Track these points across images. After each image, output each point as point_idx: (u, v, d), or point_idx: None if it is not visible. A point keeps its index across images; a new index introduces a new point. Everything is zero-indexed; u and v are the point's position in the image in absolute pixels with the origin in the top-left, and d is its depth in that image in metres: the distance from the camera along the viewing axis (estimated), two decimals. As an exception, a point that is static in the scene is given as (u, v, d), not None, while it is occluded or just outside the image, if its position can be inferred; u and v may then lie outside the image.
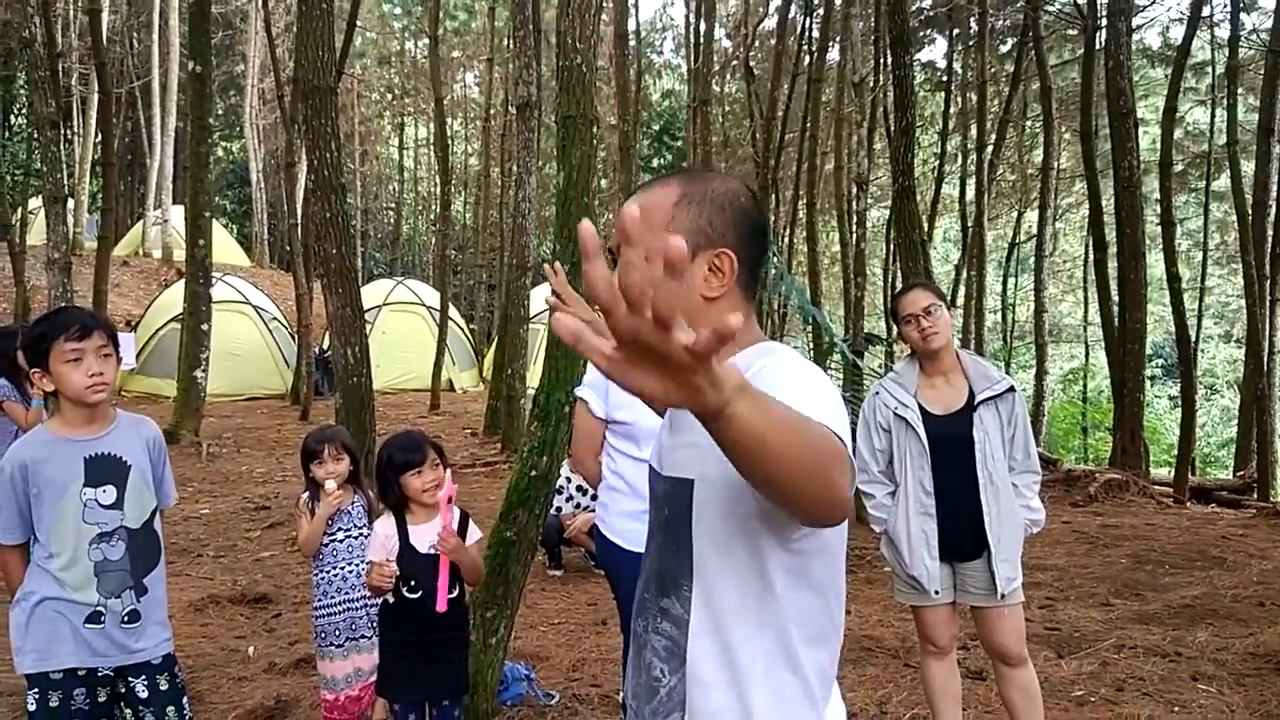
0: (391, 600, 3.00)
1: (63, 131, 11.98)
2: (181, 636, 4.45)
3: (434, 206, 31.61)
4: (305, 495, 3.58)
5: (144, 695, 2.57)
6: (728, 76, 23.22)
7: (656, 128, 31.02)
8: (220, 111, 30.26)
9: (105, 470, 2.53)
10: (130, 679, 2.56)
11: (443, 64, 19.39)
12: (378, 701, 3.64)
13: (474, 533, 3.07)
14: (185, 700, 2.68)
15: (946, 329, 3.09)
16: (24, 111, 24.77)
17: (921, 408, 3.09)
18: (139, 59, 26.79)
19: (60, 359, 2.44)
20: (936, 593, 3.08)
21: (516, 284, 10.52)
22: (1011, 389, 3.10)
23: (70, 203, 12.30)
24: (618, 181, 17.54)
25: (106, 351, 2.49)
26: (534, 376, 10.71)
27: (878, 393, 3.21)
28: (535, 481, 3.73)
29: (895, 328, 3.27)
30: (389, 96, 34.85)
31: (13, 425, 4.79)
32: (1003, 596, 3.03)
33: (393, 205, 36.77)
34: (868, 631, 4.74)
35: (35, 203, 17.61)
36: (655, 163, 30.87)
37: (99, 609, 2.49)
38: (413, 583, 2.95)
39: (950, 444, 3.04)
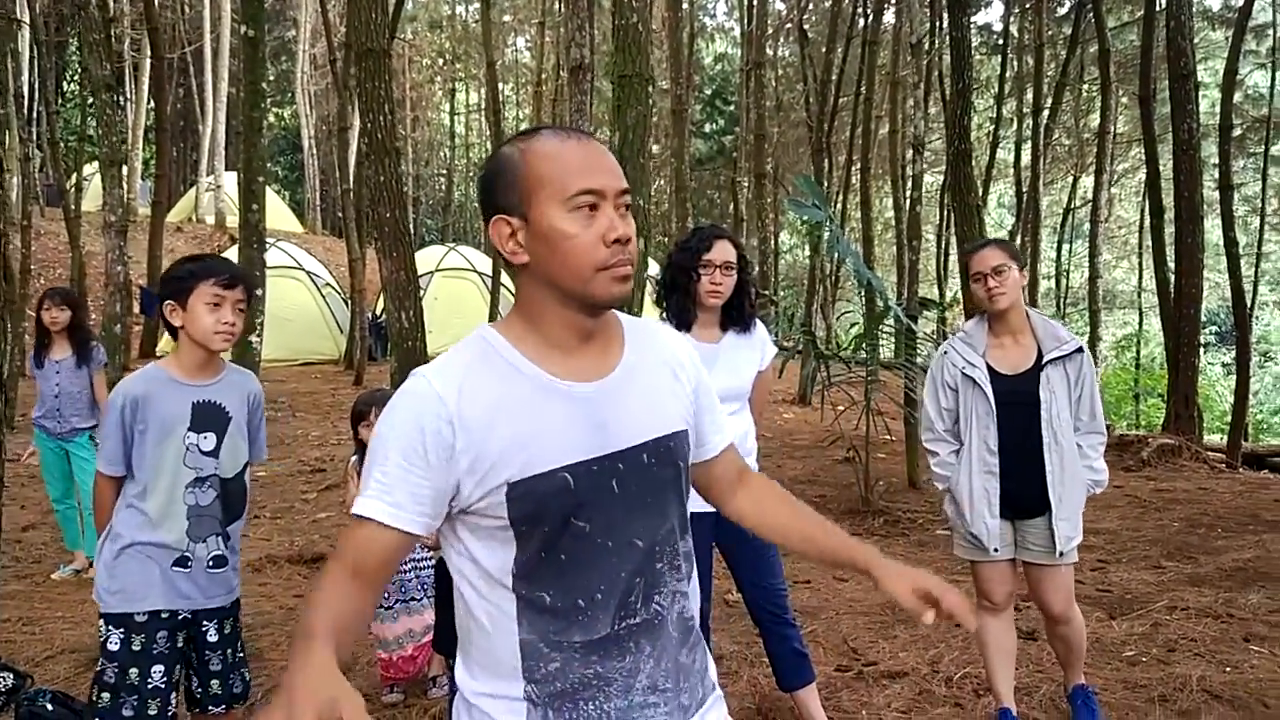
0: (452, 560, 3.02)
1: (116, 96, 12.15)
2: (241, 595, 4.56)
3: (484, 172, 31.60)
4: (355, 458, 3.63)
5: (213, 639, 2.66)
6: (781, 39, 22.87)
7: (709, 92, 30.70)
8: (272, 77, 30.52)
9: (209, 417, 2.60)
10: (204, 623, 2.64)
11: (494, 28, 19.34)
12: (434, 658, 3.71)
13: None
14: (240, 643, 2.77)
15: (1014, 290, 3.05)
16: (77, 78, 25.20)
17: (989, 367, 3.08)
18: (190, 24, 27.07)
19: (200, 299, 2.52)
20: (995, 550, 3.09)
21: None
22: (1080, 349, 3.08)
23: (124, 169, 12.50)
24: (669, 146, 17.42)
25: (242, 307, 2.58)
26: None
27: (946, 352, 3.20)
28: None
29: (940, 294, 3.24)
30: (440, 62, 34.90)
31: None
32: (1061, 555, 3.06)
33: (444, 172, 36.93)
34: (920, 594, 4.71)
35: (89, 170, 17.93)
36: (707, 127, 30.60)
37: (186, 554, 2.56)
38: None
39: (1016, 403, 3.04)
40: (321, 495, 6.95)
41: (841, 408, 7.46)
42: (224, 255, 16.30)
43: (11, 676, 3.42)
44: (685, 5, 17.42)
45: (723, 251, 3.02)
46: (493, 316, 15.28)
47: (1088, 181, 19.54)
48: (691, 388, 1.46)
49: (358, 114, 6.79)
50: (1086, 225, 18.75)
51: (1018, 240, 16.42)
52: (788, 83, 24.23)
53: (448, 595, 3.04)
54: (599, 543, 1.32)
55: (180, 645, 2.60)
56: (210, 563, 2.61)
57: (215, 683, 2.67)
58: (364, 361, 13.83)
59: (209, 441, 2.60)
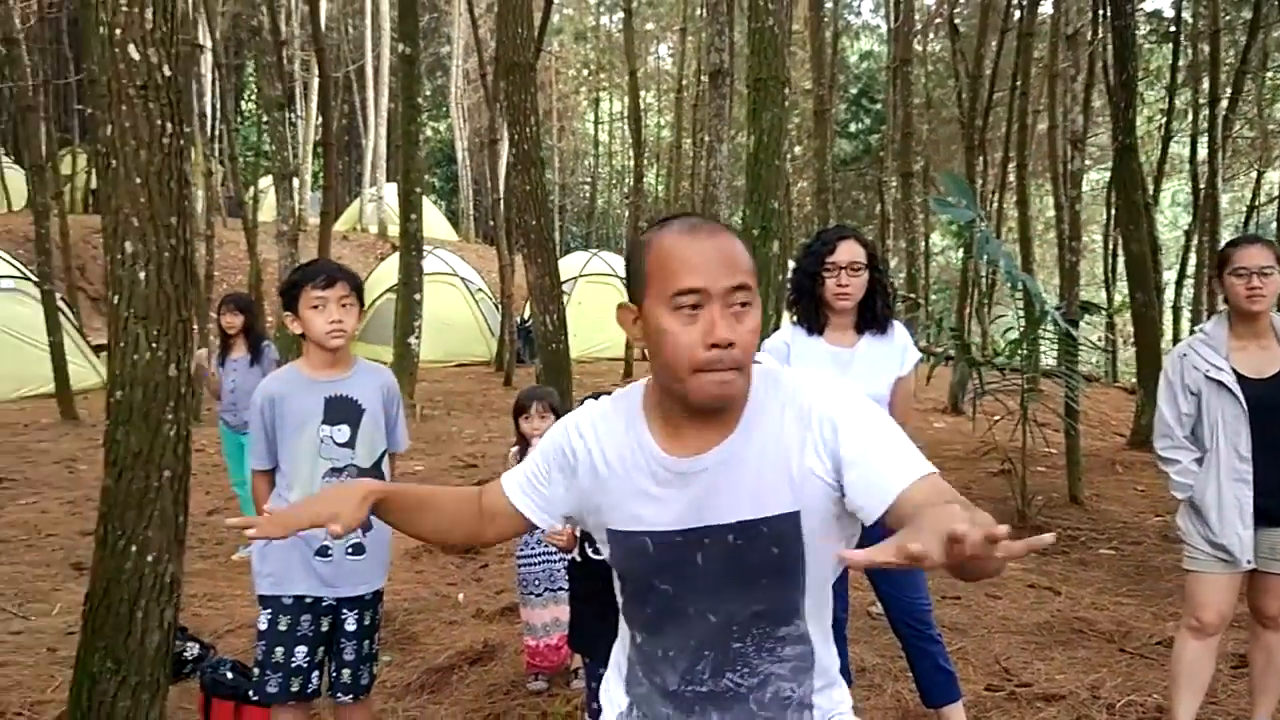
0: (579, 558, 3.09)
1: (287, 114, 12.95)
2: (398, 581, 4.79)
3: (627, 180, 32.10)
4: (515, 449, 3.77)
5: (351, 628, 2.79)
6: (930, 35, 22.26)
7: (854, 91, 30.14)
8: (428, 92, 31.82)
9: (341, 410, 2.75)
10: (344, 611, 2.78)
11: (637, 36, 19.59)
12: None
13: None
14: (375, 638, 2.89)
15: (1274, 294, 2.88)
16: (253, 97, 26.95)
17: (1234, 370, 2.92)
18: (353, 44, 28.56)
19: (307, 304, 2.69)
20: (1249, 561, 2.92)
21: (709, 253, 10.53)
22: None
23: (295, 182, 13.30)
24: (811, 147, 17.21)
25: (348, 301, 2.70)
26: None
27: (1184, 354, 3.02)
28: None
29: (1108, 298, 3.08)
30: (584, 72, 35.58)
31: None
32: None
33: (588, 180, 37.61)
34: (1080, 614, 4.50)
35: (264, 182, 19.15)
36: (852, 127, 30.04)
37: (326, 543, 2.70)
38: (597, 545, 3.01)
39: (1265, 408, 2.88)
40: (474, 490, 7.21)
41: (997, 417, 7.19)
42: (384, 261, 16.98)
43: (197, 646, 3.72)
44: (829, 4, 17.18)
45: (848, 251, 2.95)
46: (637, 321, 15.45)
47: (1273, 176, 18.18)
48: (830, 448, 1.34)
49: (506, 126, 7.03)
50: (1274, 224, 17.44)
51: (1194, 240, 15.44)
52: (938, 78, 23.54)
53: (580, 594, 3.11)
54: (679, 607, 1.40)
55: (324, 630, 2.75)
56: (349, 550, 2.74)
57: (347, 672, 2.80)
58: (512, 363, 14.25)
59: (343, 433, 2.74)
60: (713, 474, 1.36)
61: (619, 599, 1.51)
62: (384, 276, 15.62)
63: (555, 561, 3.70)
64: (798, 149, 23.80)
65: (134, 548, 2.99)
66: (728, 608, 1.38)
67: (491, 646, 4.07)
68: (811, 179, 19.49)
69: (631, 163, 19.97)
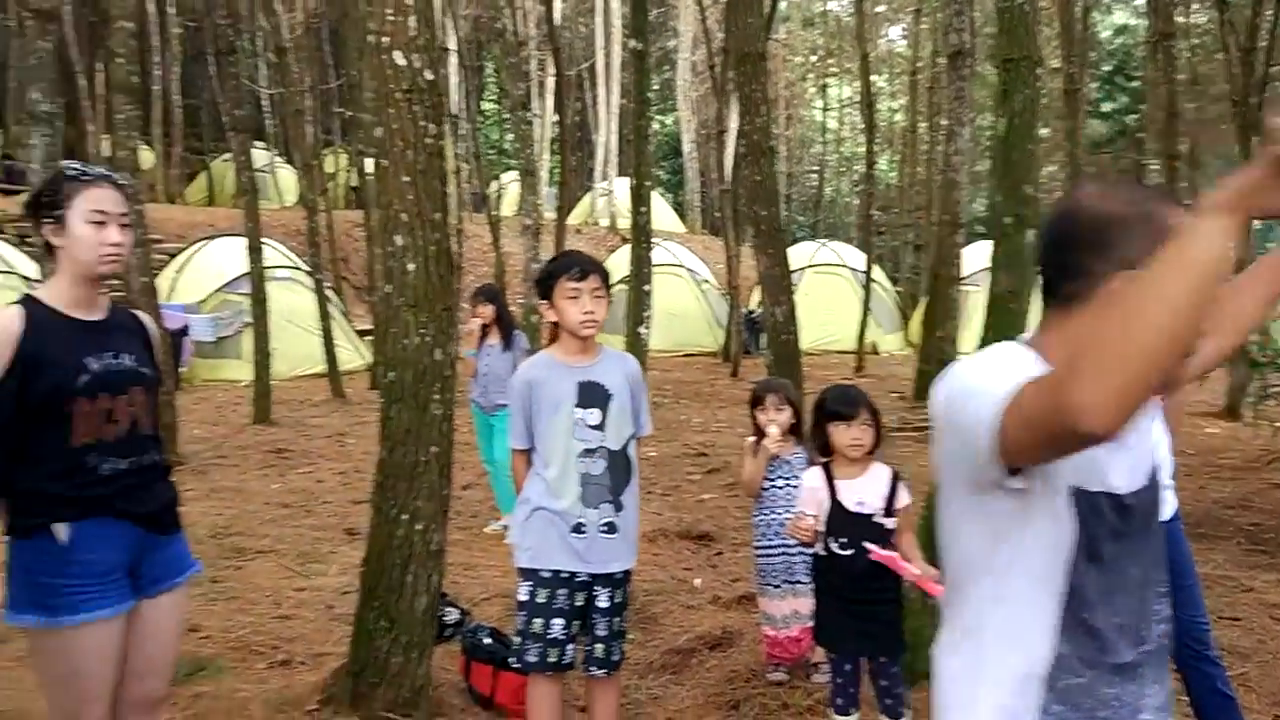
0: (823, 552, 3.04)
1: (528, 113, 13.58)
2: (636, 564, 4.92)
3: (856, 167, 31.34)
4: (751, 440, 3.78)
5: (603, 605, 2.90)
6: (1194, 5, 20.27)
7: (1107, 68, 27.96)
8: (656, 86, 32.39)
9: (592, 395, 2.87)
10: (596, 588, 2.89)
11: (867, 19, 19.06)
12: (818, 646, 3.76)
13: (903, 496, 3.01)
14: (624, 615, 2.98)
15: None
16: (492, 97, 28.40)
17: None
18: (584, 42, 29.52)
19: (562, 295, 2.83)
20: None
21: (947, 242, 10.13)
22: None
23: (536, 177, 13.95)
24: (1061, 129, 16.13)
25: (600, 293, 2.83)
26: (966, 339, 10.37)
27: None
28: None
29: None
30: (812, 58, 35.05)
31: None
32: None
33: (815, 168, 37.06)
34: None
35: (505, 178, 20.15)
36: (1106, 106, 27.88)
37: (581, 519, 2.83)
38: (843, 540, 2.96)
39: None
40: (706, 478, 7.30)
41: (1280, 424, 6.48)
42: (614, 253, 17.53)
43: (456, 612, 3.97)
44: (1084, -25, 16.00)
45: None
46: (865, 312, 15.09)
47: None
48: None
49: (734, 116, 7.04)
50: None
51: None
52: (1204, 52, 21.43)
53: (825, 588, 3.06)
54: (1127, 569, 1.36)
55: (579, 605, 2.86)
56: (603, 528, 2.85)
57: (600, 647, 2.91)
58: (739, 355, 14.29)
59: (594, 416, 2.85)
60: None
61: (1057, 582, 1.33)
62: (614, 269, 16.04)
63: (794, 554, 3.66)
64: (1044, 130, 22.37)
65: (405, 516, 3.24)
66: (1146, 562, 1.40)
67: (730, 633, 4.10)
68: (1062, 162, 18.30)
69: (862, 149, 19.49)
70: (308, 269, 12.79)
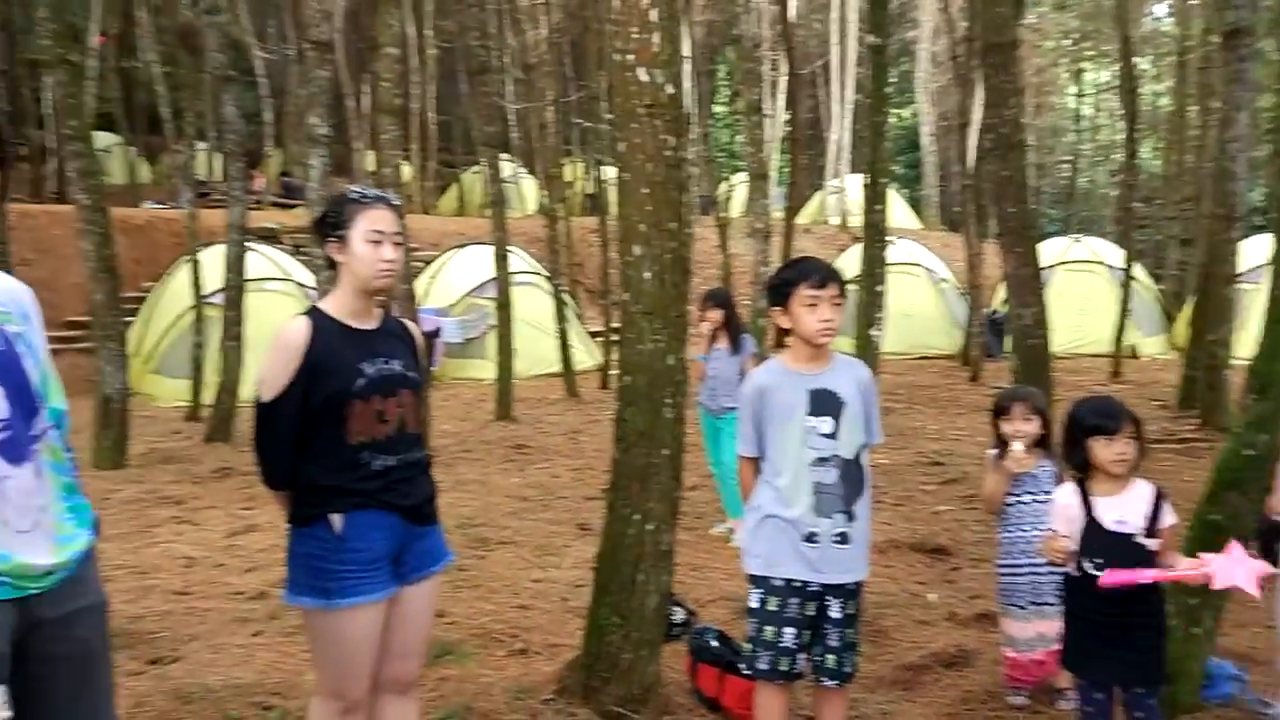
0: (1076, 573, 2.84)
1: (761, 115, 13.57)
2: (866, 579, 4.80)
3: (1114, 156, 29.05)
4: (993, 451, 3.59)
5: (835, 616, 2.85)
6: None
7: None
8: (893, 79, 31.46)
9: (824, 403, 2.83)
10: (829, 598, 2.84)
11: (1130, -3, 17.60)
12: (1064, 670, 3.52)
13: (1168, 516, 2.76)
14: (857, 626, 2.91)
15: None
16: (723, 100, 28.54)
17: None
18: (818, 39, 29.12)
19: (800, 302, 2.79)
20: None
21: (1220, 237, 9.18)
22: None
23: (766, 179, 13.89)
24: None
25: (838, 301, 2.79)
26: (1242, 343, 9.39)
27: None
28: (1251, 461, 3.32)
29: None
30: (1065, 43, 32.86)
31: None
32: None
33: (1068, 158, 34.73)
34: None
35: (734, 179, 20.21)
36: None
37: (813, 529, 2.79)
38: (1099, 560, 2.75)
39: None
40: (941, 488, 6.99)
41: None
42: (844, 253, 17.22)
43: (683, 612, 4.04)
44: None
45: None
46: (1123, 313, 13.95)
47: None
48: None
49: (978, 107, 6.70)
50: None
51: None
52: None
53: (1077, 610, 2.87)
54: None
55: (811, 614, 2.82)
56: (835, 538, 2.79)
57: (831, 658, 2.86)
58: (980, 358, 13.60)
59: (826, 425, 2.80)
60: None
61: None
62: (844, 268, 15.73)
63: (1042, 573, 3.44)
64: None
65: (637, 516, 3.32)
66: None
67: (965, 652, 3.92)
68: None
69: (1119, 137, 18.04)
70: (546, 274, 13.41)
